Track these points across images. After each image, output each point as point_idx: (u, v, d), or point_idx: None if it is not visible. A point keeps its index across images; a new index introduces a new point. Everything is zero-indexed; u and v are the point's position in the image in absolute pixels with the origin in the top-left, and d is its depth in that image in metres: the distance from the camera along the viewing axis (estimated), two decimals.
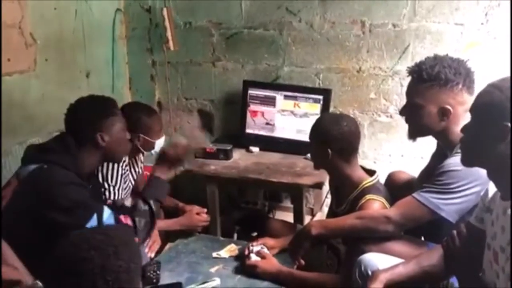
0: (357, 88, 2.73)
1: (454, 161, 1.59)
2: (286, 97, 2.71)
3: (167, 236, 2.28)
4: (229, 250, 2.08)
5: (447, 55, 1.73)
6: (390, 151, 2.77)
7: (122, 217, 1.67)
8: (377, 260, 1.57)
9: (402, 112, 1.78)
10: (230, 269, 1.96)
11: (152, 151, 2.21)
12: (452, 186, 1.60)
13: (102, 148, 1.73)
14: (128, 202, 1.79)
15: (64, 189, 1.58)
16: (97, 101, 1.80)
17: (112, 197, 2.01)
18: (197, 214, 2.27)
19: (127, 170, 2.17)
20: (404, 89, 2.57)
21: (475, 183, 1.57)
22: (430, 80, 1.66)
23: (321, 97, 2.63)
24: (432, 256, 1.48)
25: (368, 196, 1.77)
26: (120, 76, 3.07)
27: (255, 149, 2.75)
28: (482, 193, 1.46)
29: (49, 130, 2.49)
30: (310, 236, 1.76)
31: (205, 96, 3.05)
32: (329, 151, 1.80)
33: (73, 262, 0.97)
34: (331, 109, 2.69)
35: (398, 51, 2.60)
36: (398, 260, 1.54)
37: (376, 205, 1.75)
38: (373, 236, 1.68)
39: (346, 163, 1.83)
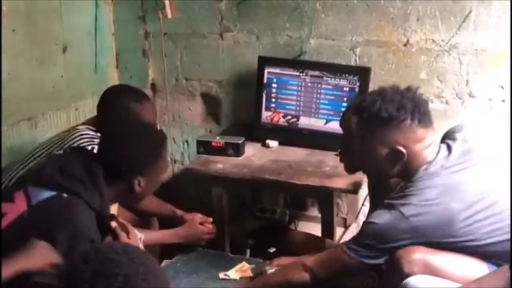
0: (403, 66, 2.71)
1: (387, 215, 1.71)
2: (313, 77, 2.72)
3: (163, 251, 2.31)
4: (240, 270, 2.10)
5: (394, 87, 1.81)
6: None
7: None
8: (425, 285, 1.57)
9: (340, 147, 1.97)
10: None
11: None
12: (377, 243, 1.73)
13: (136, 193, 1.78)
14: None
15: (78, 243, 1.55)
16: (150, 130, 1.89)
17: None
18: (201, 224, 2.29)
19: None
20: (464, 67, 2.58)
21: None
22: (372, 120, 1.74)
23: (357, 77, 2.63)
24: (497, 280, 1.48)
25: None
26: (105, 51, 3.09)
27: (273, 143, 2.76)
28: None
29: (17, 118, 2.53)
30: None
31: (210, 77, 3.06)
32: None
33: None
34: None
35: (457, 19, 2.58)
36: (451, 285, 1.53)
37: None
38: None
39: None
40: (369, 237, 1.74)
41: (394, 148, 1.73)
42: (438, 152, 1.77)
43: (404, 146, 1.72)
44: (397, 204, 1.71)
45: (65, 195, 1.64)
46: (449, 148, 1.79)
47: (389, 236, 1.70)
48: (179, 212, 2.37)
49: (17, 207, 1.63)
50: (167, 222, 2.40)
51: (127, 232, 1.82)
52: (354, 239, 1.80)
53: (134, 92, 2.29)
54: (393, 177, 1.85)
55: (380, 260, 1.74)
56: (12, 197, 1.67)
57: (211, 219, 2.31)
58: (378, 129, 1.73)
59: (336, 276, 1.85)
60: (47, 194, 1.63)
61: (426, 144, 1.74)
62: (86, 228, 1.61)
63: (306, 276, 1.84)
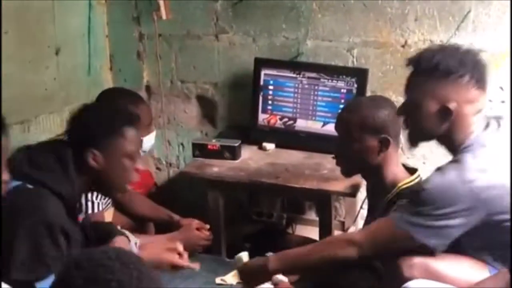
0: (401, 67, 2.64)
1: (440, 178, 1.64)
2: (309, 79, 2.72)
3: None
4: (237, 275, 2.10)
5: (455, 44, 1.79)
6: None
7: None
8: None
9: (399, 111, 1.84)
10: None
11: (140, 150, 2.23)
12: (432, 209, 1.63)
13: (92, 168, 1.72)
14: None
15: (43, 233, 1.55)
16: (114, 107, 1.83)
17: (88, 211, 2.04)
18: (197, 229, 2.30)
19: None
20: None
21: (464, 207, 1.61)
22: (429, 71, 1.69)
23: (354, 79, 2.63)
24: (496, 283, 1.48)
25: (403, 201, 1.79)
26: (99, 53, 3.09)
27: (270, 146, 2.77)
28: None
29: (10, 121, 2.49)
30: (267, 273, 1.83)
31: (206, 79, 3.06)
32: (377, 143, 1.85)
33: None
34: (368, 95, 2.66)
35: (455, 20, 2.58)
36: None
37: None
38: (335, 265, 1.76)
39: (387, 160, 1.88)
40: (423, 202, 1.64)
41: (445, 104, 1.67)
42: (487, 125, 1.72)
43: (455, 104, 1.67)
44: (453, 168, 1.64)
45: (29, 185, 1.63)
46: (498, 123, 1.74)
47: (447, 198, 1.61)
48: (176, 217, 2.36)
49: None
50: (163, 227, 2.40)
51: None
52: (405, 208, 1.69)
53: (129, 95, 2.29)
54: (436, 138, 1.77)
55: (432, 240, 1.64)
56: None
57: (208, 226, 2.30)
58: (434, 83, 1.68)
59: (385, 252, 1.72)
60: (13, 184, 1.61)
61: (476, 108, 1.68)
62: (53, 216, 1.59)
63: (353, 252, 1.72)
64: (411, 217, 1.65)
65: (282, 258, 1.86)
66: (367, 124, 1.85)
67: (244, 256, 1.94)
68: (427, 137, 1.80)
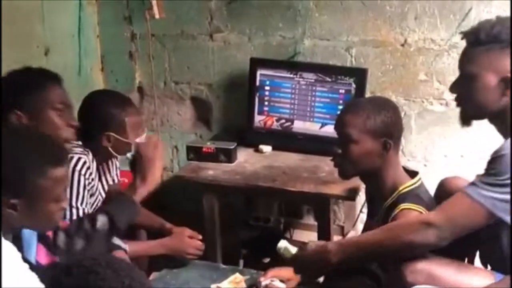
0: (401, 67, 2.72)
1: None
2: (307, 79, 2.71)
3: (151, 263, 2.28)
4: (233, 282, 2.08)
5: None
6: (446, 150, 2.74)
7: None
8: None
9: (453, 88, 1.79)
10: None
11: (129, 155, 2.21)
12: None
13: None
14: None
15: None
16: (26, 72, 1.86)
17: (73, 217, 2.01)
18: (189, 237, 2.27)
19: (92, 180, 2.16)
20: None
21: None
22: (488, 42, 1.65)
23: (353, 79, 2.63)
24: None
25: (402, 205, 1.78)
26: (89, 54, 3.08)
27: (267, 148, 2.76)
28: None
29: None
30: (329, 264, 1.75)
31: (200, 79, 3.06)
32: (378, 146, 1.84)
33: None
34: (367, 95, 2.67)
35: (456, 18, 2.59)
36: None
37: (413, 216, 1.75)
38: (412, 254, 1.65)
39: (387, 163, 1.87)
40: (499, 170, 1.57)
41: (506, 76, 1.62)
42: None
43: None
44: None
45: None
46: None
47: None
48: (168, 225, 2.34)
49: None
50: (156, 234, 2.37)
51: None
52: (480, 180, 1.61)
53: (117, 98, 2.25)
54: (489, 116, 1.72)
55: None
56: None
57: (200, 237, 2.28)
58: (493, 54, 1.64)
59: (462, 233, 1.62)
60: None
61: None
62: None
63: (431, 236, 1.61)
64: (487, 190, 1.58)
65: (345, 246, 1.76)
66: (369, 126, 1.84)
67: (289, 246, 1.85)
68: (482, 114, 1.73)
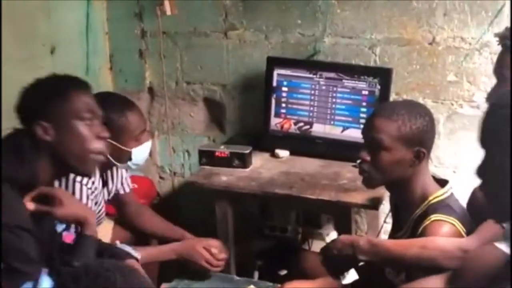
0: (429, 67, 2.70)
1: None
2: (327, 79, 2.70)
3: (161, 273, 2.27)
4: None
5: None
6: (477, 156, 2.69)
7: None
8: None
9: (488, 98, 1.80)
10: None
11: (130, 163, 2.18)
12: None
13: (44, 142, 1.67)
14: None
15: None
16: (51, 79, 1.79)
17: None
18: (205, 249, 2.23)
19: (95, 189, 2.15)
20: None
21: None
22: None
23: (377, 79, 2.62)
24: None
25: (433, 217, 1.76)
26: (98, 52, 3.10)
27: (284, 153, 2.75)
28: None
29: (3, 126, 2.51)
30: (356, 261, 1.77)
31: (214, 80, 3.06)
32: (411, 156, 1.80)
33: None
34: (392, 97, 2.68)
35: (489, 15, 2.57)
36: None
37: (445, 229, 1.74)
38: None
39: (417, 172, 1.84)
40: None
41: None
42: None
43: None
44: None
45: None
46: None
47: None
48: (189, 235, 2.32)
49: None
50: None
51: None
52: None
53: (117, 101, 2.22)
54: None
55: None
56: None
57: (223, 255, 2.23)
58: None
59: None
60: None
61: None
62: (9, 213, 1.55)
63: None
64: None
65: (377, 249, 1.77)
66: (403, 134, 1.80)
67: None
68: None
